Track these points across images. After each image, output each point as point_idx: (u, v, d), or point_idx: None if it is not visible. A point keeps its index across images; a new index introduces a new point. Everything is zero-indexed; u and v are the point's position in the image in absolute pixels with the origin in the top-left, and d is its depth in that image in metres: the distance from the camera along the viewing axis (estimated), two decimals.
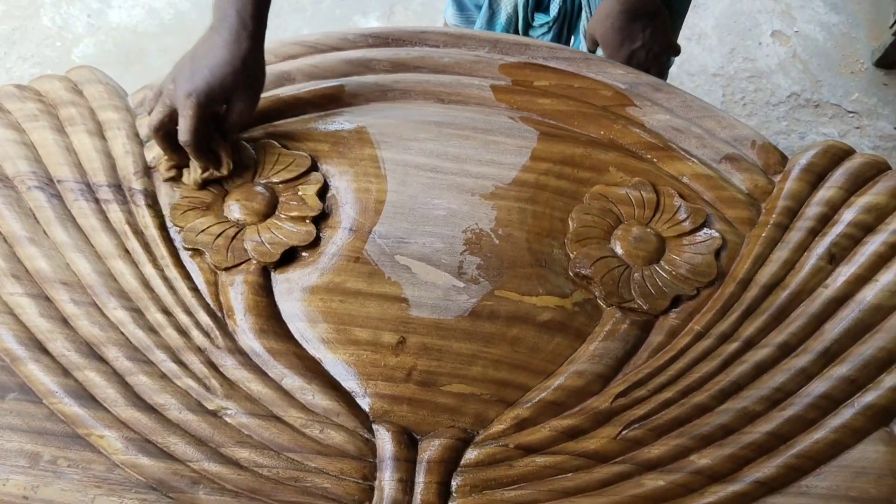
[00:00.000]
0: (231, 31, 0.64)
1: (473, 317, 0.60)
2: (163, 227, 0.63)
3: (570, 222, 0.65)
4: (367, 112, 0.71)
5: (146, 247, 0.62)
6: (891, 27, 1.39)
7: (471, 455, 0.55)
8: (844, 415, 0.57)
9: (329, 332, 0.59)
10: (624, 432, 0.56)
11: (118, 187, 0.65)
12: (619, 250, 0.64)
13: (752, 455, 0.56)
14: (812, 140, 1.37)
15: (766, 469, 0.55)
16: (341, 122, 0.70)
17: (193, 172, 0.65)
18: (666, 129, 0.71)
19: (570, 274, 0.63)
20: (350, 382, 0.57)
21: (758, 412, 0.57)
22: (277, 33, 1.48)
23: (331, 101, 0.71)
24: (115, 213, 0.63)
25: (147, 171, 0.66)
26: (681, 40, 1.49)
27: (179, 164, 0.66)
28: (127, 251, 0.62)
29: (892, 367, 0.59)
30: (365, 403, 0.56)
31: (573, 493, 0.54)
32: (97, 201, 0.64)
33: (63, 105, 0.69)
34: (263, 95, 0.70)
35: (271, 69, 0.72)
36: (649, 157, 0.69)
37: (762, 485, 0.54)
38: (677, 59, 1.46)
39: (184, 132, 0.63)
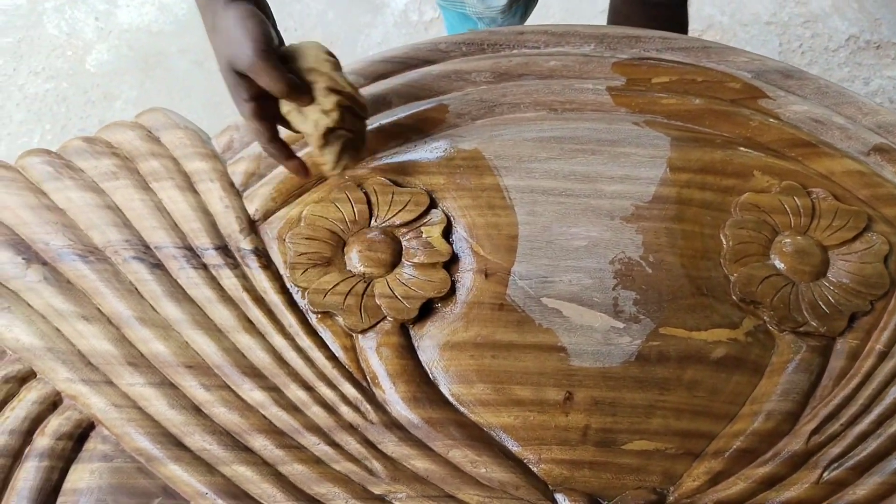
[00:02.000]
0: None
1: (641, 361, 0.55)
2: (284, 291, 0.57)
3: (722, 239, 0.59)
4: (476, 133, 0.64)
5: (270, 315, 0.56)
6: None
7: None
8: None
9: (487, 392, 0.54)
10: (825, 475, 0.52)
11: (225, 249, 0.58)
12: (781, 266, 0.58)
13: None
14: (878, 85, 1.30)
15: None
16: (451, 147, 0.63)
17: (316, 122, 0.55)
18: (805, 121, 0.64)
19: (735, 299, 0.57)
20: (521, 449, 0.52)
21: None
22: (301, 18, 1.39)
23: (434, 124, 0.64)
24: (229, 280, 0.57)
25: (253, 226, 0.60)
26: None
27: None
28: (251, 322, 0.56)
29: None
30: (541, 471, 0.52)
31: None
32: (205, 267, 0.58)
33: (142, 158, 0.62)
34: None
35: (364, 93, 0.65)
36: (793, 154, 0.63)
37: None
38: (728, 9, 1.38)
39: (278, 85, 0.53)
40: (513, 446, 0.52)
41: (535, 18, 1.01)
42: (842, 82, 1.30)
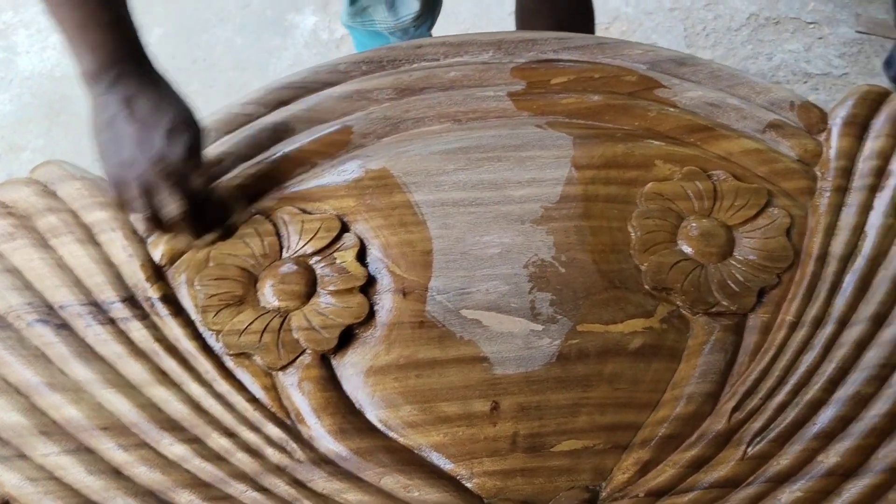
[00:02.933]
0: (144, 75, 0.56)
1: (563, 361, 0.55)
2: (197, 336, 0.56)
3: (630, 230, 0.60)
4: (383, 151, 0.64)
5: (184, 363, 0.55)
6: None
7: None
8: None
9: (414, 413, 0.54)
10: (749, 450, 0.53)
11: (132, 300, 0.57)
12: (688, 250, 0.60)
13: (876, 442, 0.53)
14: (781, 60, 1.34)
15: (894, 453, 0.53)
16: (358, 168, 0.63)
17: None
18: (701, 105, 0.66)
19: (648, 288, 0.58)
20: (453, 466, 0.52)
21: (870, 394, 0.55)
22: (209, 47, 1.37)
23: (340, 146, 0.64)
24: (139, 332, 0.55)
25: (159, 272, 0.58)
26: None
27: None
28: (164, 374, 0.54)
29: None
30: (474, 486, 0.52)
31: None
32: (113, 322, 0.56)
33: (39, 214, 0.60)
34: (267, 157, 0.63)
35: (265, 122, 0.65)
36: (692, 140, 0.65)
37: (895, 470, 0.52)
38: (632, 0, 1.41)
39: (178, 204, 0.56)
40: (444, 464, 0.52)
41: (444, 24, 1.01)
42: (746, 60, 1.34)
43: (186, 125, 0.56)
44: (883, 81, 1.42)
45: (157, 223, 0.57)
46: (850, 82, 1.39)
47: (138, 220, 0.57)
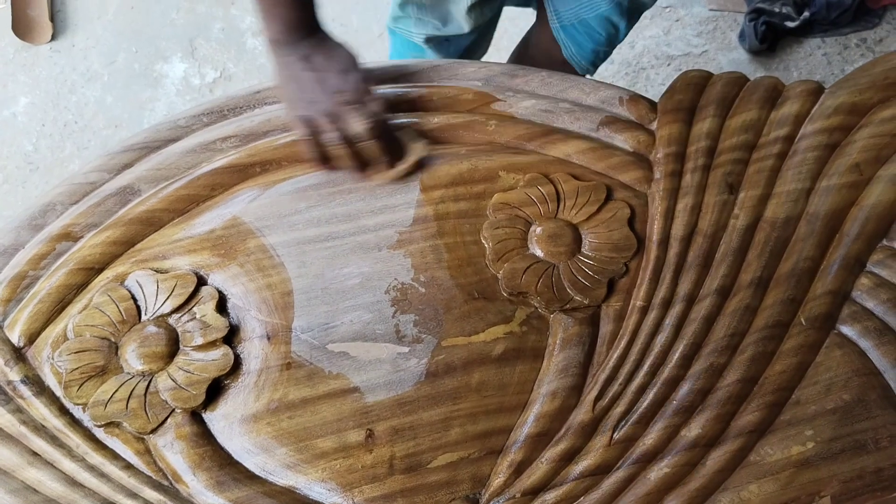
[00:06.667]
0: (317, 37, 0.64)
1: (431, 378, 0.57)
2: (64, 412, 0.55)
3: (483, 242, 0.63)
4: (233, 200, 0.64)
5: (55, 441, 0.54)
6: None
7: None
8: (796, 335, 0.59)
9: (291, 455, 0.54)
10: (615, 435, 0.56)
11: None
12: (539, 253, 0.62)
13: (733, 408, 0.57)
14: (643, 46, 1.41)
15: (750, 416, 0.56)
16: (209, 220, 0.63)
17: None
18: (536, 113, 0.69)
19: (505, 294, 0.61)
20: (334, 498, 0.53)
21: (723, 364, 0.58)
22: (79, 109, 1.34)
23: (189, 201, 0.64)
24: (4, 417, 0.55)
25: (19, 354, 0.57)
26: None
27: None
28: (36, 454, 0.54)
29: (818, 273, 0.62)
30: None
31: None
32: None
33: None
34: (113, 222, 0.63)
35: (110, 188, 0.64)
36: (531, 147, 0.68)
37: (753, 432, 0.56)
38: None
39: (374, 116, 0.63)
40: (325, 498, 0.53)
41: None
42: None
43: (355, 67, 0.64)
44: (741, 54, 1.50)
45: (350, 149, 0.63)
46: (711, 59, 1.46)
47: (335, 149, 0.63)
